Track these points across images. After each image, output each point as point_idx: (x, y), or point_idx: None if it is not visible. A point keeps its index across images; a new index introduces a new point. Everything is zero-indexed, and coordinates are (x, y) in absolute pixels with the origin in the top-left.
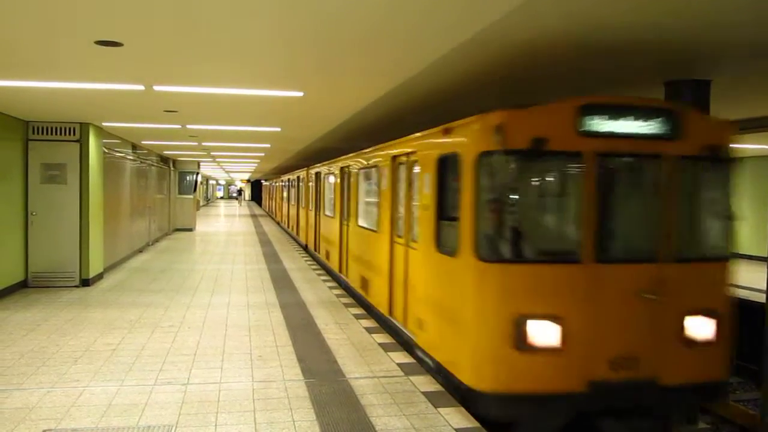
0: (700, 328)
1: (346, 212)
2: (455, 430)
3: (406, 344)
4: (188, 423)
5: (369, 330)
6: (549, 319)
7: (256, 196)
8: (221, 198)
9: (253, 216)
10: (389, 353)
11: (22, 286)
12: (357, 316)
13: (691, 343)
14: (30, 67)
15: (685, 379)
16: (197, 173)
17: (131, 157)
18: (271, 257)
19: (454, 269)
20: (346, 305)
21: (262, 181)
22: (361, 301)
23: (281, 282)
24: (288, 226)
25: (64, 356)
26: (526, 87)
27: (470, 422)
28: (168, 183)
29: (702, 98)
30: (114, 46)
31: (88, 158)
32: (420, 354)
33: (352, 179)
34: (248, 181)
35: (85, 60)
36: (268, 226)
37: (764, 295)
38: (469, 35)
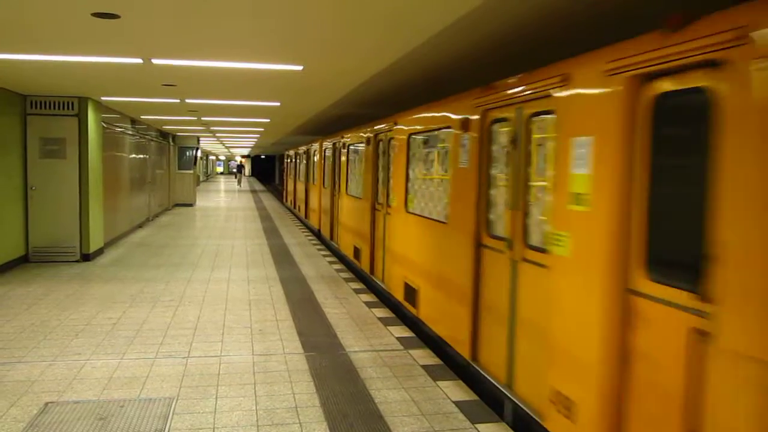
0: None
1: None
2: (454, 402)
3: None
4: (189, 395)
5: (368, 304)
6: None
7: (257, 171)
8: (221, 173)
9: (254, 192)
10: (389, 327)
11: (23, 261)
12: (357, 291)
13: None
14: (27, 39)
15: None
16: (197, 148)
17: (131, 132)
18: (272, 232)
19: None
20: (346, 280)
21: (287, 155)
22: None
23: (281, 257)
24: None
25: (65, 330)
26: (528, 58)
27: (469, 395)
28: (168, 158)
29: None
30: (111, 18)
31: (87, 133)
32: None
33: None
34: (248, 156)
35: (83, 33)
36: (268, 202)
37: None
38: (471, 7)
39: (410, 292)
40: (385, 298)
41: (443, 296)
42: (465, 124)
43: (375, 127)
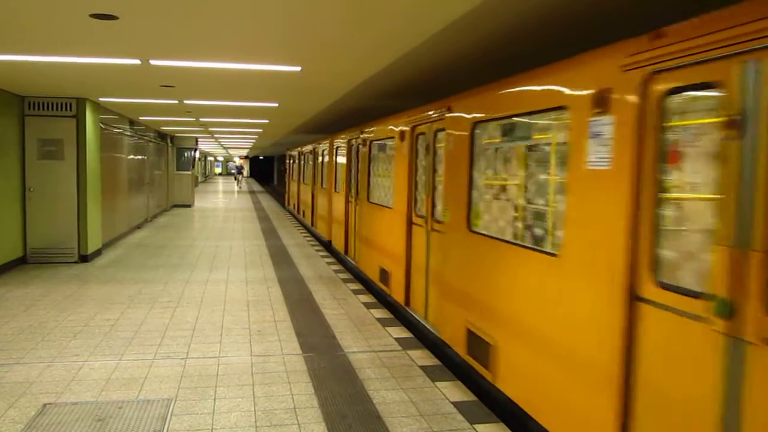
0: None
1: None
2: (452, 403)
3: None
4: (187, 396)
5: (367, 305)
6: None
7: (256, 172)
8: (219, 174)
9: (252, 192)
10: (387, 328)
11: (21, 262)
12: (355, 292)
13: None
14: (25, 40)
15: None
16: (195, 149)
17: (129, 133)
18: (270, 233)
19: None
20: (344, 280)
21: (289, 155)
22: None
23: (280, 257)
24: None
25: (63, 331)
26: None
27: (467, 396)
28: (166, 159)
29: None
30: (109, 20)
31: (85, 134)
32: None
33: None
34: (246, 157)
35: (81, 34)
36: (267, 203)
37: None
38: (469, 7)
39: (478, 346)
40: (430, 343)
41: (551, 367)
42: (600, 99)
43: (413, 117)
